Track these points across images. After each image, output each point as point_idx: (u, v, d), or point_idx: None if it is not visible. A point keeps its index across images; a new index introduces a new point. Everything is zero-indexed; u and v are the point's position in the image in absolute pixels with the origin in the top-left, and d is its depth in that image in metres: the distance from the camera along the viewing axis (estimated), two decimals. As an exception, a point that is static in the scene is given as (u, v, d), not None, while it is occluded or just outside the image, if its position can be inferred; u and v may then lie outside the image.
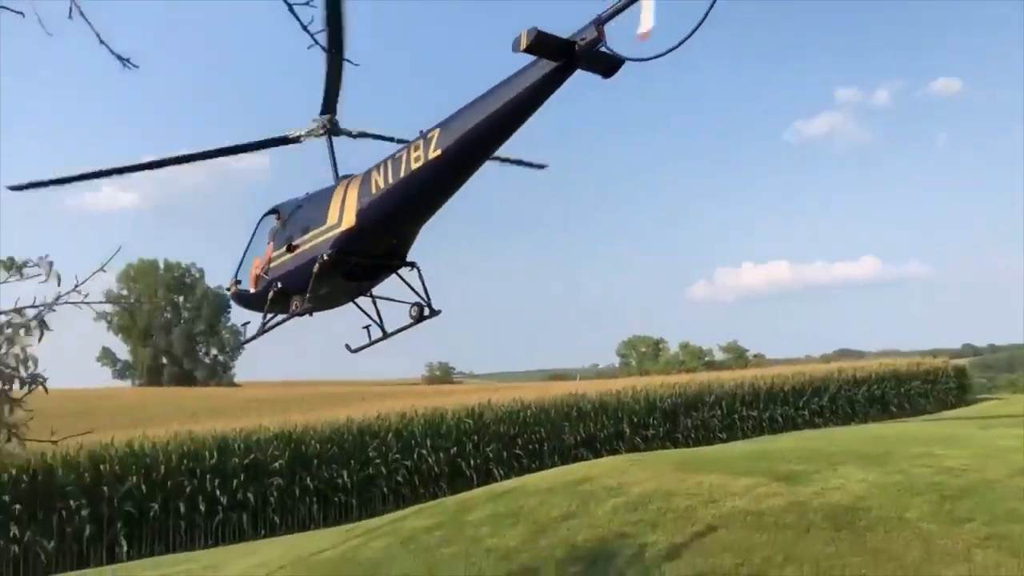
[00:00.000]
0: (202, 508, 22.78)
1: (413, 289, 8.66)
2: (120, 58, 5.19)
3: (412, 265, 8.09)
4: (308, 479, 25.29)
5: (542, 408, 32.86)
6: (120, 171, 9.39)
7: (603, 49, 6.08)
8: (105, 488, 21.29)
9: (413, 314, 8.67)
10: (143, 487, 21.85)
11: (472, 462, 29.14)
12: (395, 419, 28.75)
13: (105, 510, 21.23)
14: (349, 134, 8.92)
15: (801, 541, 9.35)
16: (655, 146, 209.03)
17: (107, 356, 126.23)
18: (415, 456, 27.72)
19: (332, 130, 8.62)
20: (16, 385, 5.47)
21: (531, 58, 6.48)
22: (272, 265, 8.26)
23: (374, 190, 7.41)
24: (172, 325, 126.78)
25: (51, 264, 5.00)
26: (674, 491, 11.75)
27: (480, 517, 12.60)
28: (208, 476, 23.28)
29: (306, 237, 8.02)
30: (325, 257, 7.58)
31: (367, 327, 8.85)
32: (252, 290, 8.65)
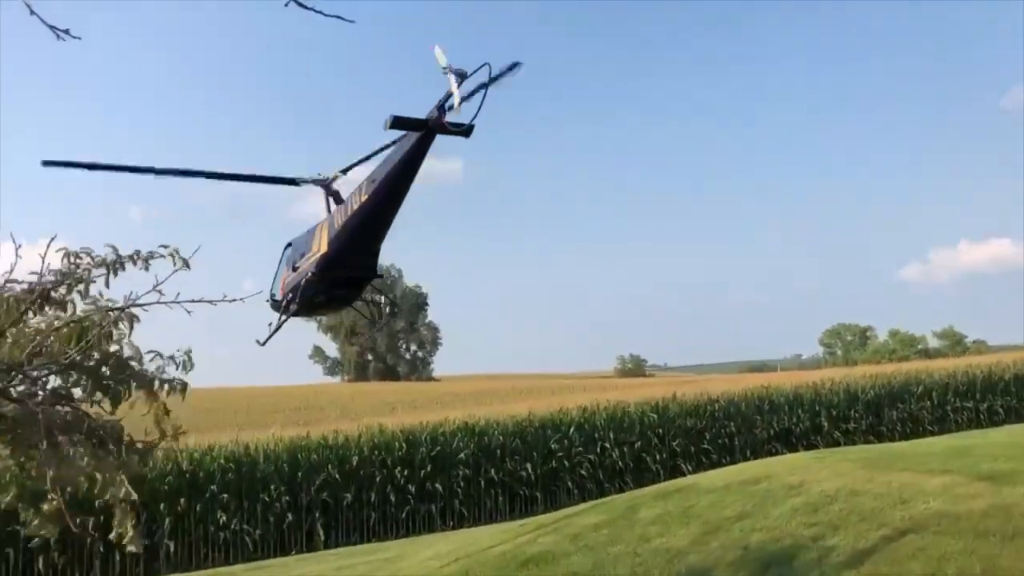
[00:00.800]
0: (392, 498, 23.62)
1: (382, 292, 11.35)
2: (54, 29, 5.11)
3: (380, 276, 10.39)
4: (492, 471, 25.65)
5: (731, 401, 31.70)
6: (152, 171, 10.70)
7: (450, 123, 8.23)
8: (301, 478, 22.52)
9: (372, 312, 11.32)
10: (337, 477, 22.92)
11: (658, 456, 28.53)
12: (576, 413, 28.65)
13: (303, 499, 22.46)
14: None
15: (1004, 551, 8.28)
16: (860, 118, 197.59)
17: (318, 354, 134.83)
18: (598, 450, 27.49)
19: (328, 185, 10.79)
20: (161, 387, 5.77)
21: None
22: (285, 282, 10.54)
23: (337, 224, 9.65)
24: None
25: (176, 252, 5.18)
26: (860, 490, 10.82)
27: (650, 515, 12.16)
28: (398, 467, 24.11)
29: (302, 261, 10.23)
30: (310, 275, 9.84)
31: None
32: (279, 299, 10.87)
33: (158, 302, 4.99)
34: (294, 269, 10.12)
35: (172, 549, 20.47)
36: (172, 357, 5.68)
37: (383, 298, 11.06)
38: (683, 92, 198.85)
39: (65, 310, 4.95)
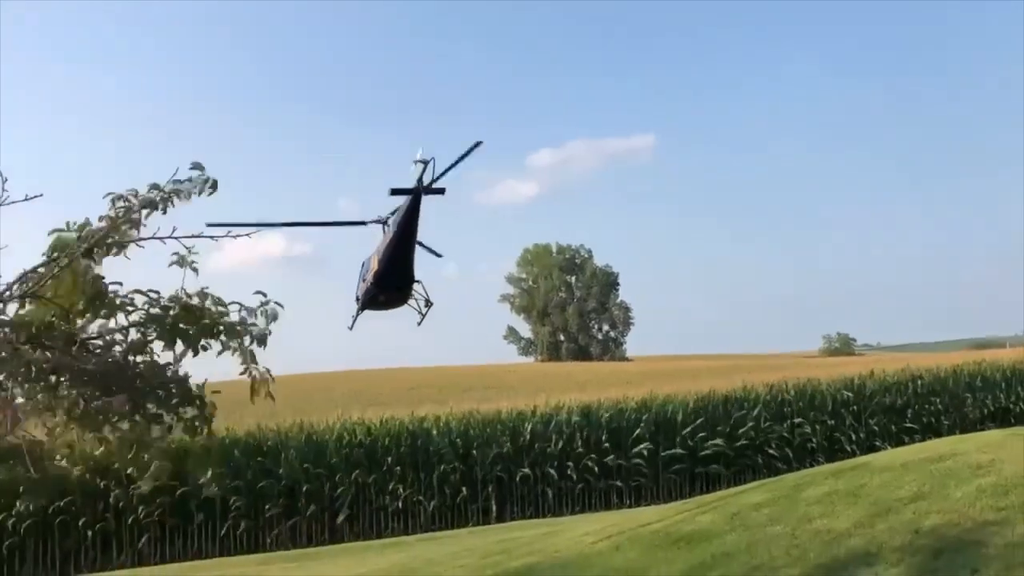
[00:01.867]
0: (571, 475, 23.53)
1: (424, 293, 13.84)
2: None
3: (419, 282, 13.33)
4: (674, 449, 25.01)
5: (936, 378, 29.19)
6: (281, 225, 13.83)
7: (430, 188, 11.11)
8: (475, 452, 22.89)
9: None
10: (511, 452, 23.11)
11: (853, 436, 26.77)
12: (762, 390, 27.37)
13: (478, 473, 22.82)
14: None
15: None
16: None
17: (512, 334, 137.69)
18: (786, 427, 26.14)
19: (384, 224, 13.34)
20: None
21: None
22: (360, 288, 13.73)
23: (380, 253, 12.91)
24: (566, 304, 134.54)
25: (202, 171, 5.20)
26: (1061, 472, 9.47)
27: (816, 494, 11.24)
28: (574, 443, 23.99)
29: (367, 274, 13.45)
30: (371, 285, 13.15)
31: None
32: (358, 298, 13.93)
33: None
34: (363, 280, 13.85)
35: (351, 518, 21.40)
36: (257, 309, 5.72)
37: (424, 298, 14.16)
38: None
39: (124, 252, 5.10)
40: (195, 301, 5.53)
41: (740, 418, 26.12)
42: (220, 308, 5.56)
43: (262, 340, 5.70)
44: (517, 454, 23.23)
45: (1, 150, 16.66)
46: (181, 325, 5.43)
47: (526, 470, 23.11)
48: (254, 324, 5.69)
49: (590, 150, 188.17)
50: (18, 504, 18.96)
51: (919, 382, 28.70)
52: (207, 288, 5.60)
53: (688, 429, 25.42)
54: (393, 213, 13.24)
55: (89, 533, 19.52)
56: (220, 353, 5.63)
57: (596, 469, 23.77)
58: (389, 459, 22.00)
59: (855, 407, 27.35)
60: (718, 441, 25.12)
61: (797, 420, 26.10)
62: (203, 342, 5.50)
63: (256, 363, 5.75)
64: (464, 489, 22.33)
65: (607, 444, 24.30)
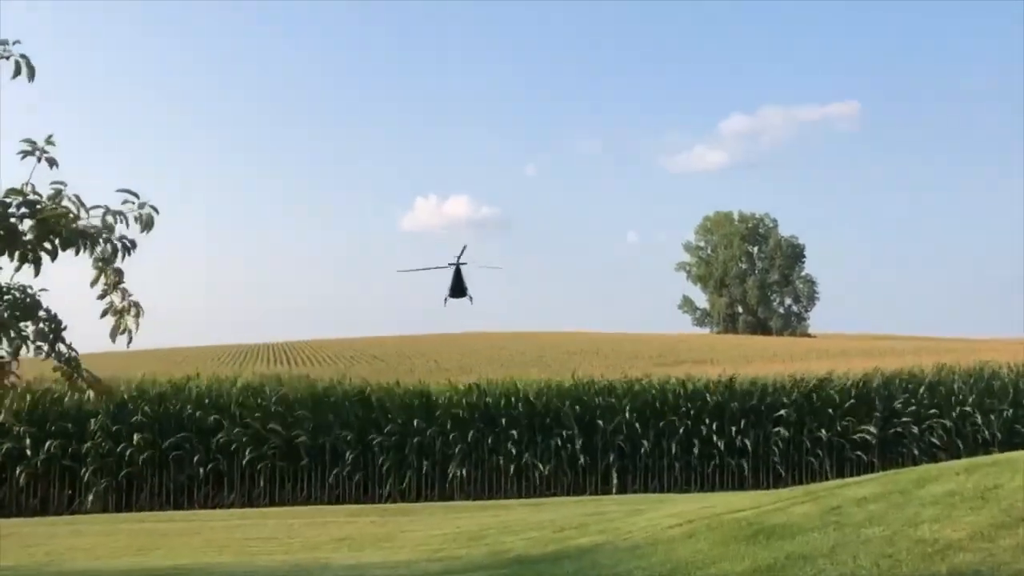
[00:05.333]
0: (696, 451, 21.76)
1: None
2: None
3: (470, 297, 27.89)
4: (820, 430, 22.60)
5: None
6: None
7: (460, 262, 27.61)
8: (600, 421, 21.50)
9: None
10: (636, 424, 21.58)
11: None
12: (931, 372, 24.24)
13: (599, 442, 21.47)
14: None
15: None
16: None
17: (687, 304, 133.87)
18: (955, 415, 23.00)
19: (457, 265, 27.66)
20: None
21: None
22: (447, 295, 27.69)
23: (451, 280, 27.78)
24: (746, 275, 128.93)
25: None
26: None
27: (935, 493, 9.18)
28: (705, 418, 22.15)
29: (448, 291, 27.46)
30: (448, 294, 27.39)
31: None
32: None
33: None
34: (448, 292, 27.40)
35: (463, 476, 20.68)
36: (128, 214, 4.70)
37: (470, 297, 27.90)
38: None
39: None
40: (47, 200, 4.57)
41: (904, 401, 23.23)
42: (74, 208, 4.57)
43: (127, 249, 4.67)
44: (643, 425, 21.65)
45: None
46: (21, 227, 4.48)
47: (648, 442, 21.51)
48: (120, 235, 4.66)
49: (785, 118, 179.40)
50: (136, 436, 19.55)
51: None
52: (62, 185, 4.61)
53: (839, 410, 22.87)
54: (461, 253, 27.74)
55: (201, 470, 19.84)
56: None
57: (726, 447, 21.79)
58: (503, 420, 21.03)
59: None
60: (871, 428, 22.43)
61: (967, 408, 22.85)
62: (48, 247, 4.52)
63: (122, 284, 4.74)
64: (583, 457, 21.04)
65: (743, 421, 22.24)
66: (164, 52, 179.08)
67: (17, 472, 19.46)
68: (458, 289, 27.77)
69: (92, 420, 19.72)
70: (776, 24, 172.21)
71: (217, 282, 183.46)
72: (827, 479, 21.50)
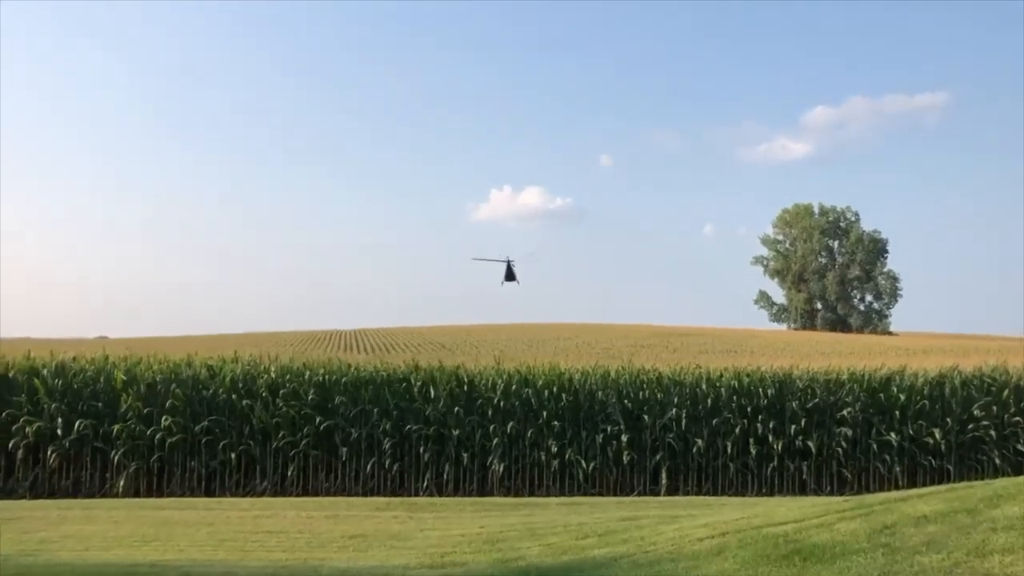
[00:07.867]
0: (752, 451, 20.27)
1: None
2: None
3: (518, 282, 35.67)
4: (889, 433, 20.86)
5: None
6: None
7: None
8: (646, 417, 20.21)
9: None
10: (684, 421, 20.21)
11: None
12: (1016, 373, 22.21)
13: (647, 439, 20.18)
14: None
15: None
16: None
17: (764, 299, 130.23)
18: (1040, 420, 20.99)
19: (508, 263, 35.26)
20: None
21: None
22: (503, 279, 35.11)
23: (505, 271, 35.68)
24: (826, 270, 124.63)
25: None
26: None
27: (1010, 516, 7.75)
28: (761, 417, 20.64)
29: (504, 277, 35.34)
30: (504, 280, 35.41)
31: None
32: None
33: None
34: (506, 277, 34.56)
35: (502, 471, 19.65)
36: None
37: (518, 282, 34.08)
38: None
39: None
40: None
41: (984, 405, 21.31)
42: None
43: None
44: (695, 422, 20.28)
45: None
46: None
47: (701, 441, 20.12)
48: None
49: (869, 110, 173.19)
50: (164, 420, 19.03)
51: None
52: None
53: (912, 411, 21.09)
54: (510, 263, 34.92)
55: (232, 456, 19.23)
56: None
57: (784, 448, 20.25)
58: (545, 413, 19.89)
59: None
60: (935, 432, 20.62)
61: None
62: None
63: None
64: (627, 454, 19.77)
65: (804, 421, 20.67)
66: (243, 46, 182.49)
67: (49, 453, 19.17)
68: (510, 276, 36.32)
69: (123, 400, 19.29)
70: (861, 13, 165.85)
71: (297, 271, 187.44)
72: (898, 486, 19.85)
